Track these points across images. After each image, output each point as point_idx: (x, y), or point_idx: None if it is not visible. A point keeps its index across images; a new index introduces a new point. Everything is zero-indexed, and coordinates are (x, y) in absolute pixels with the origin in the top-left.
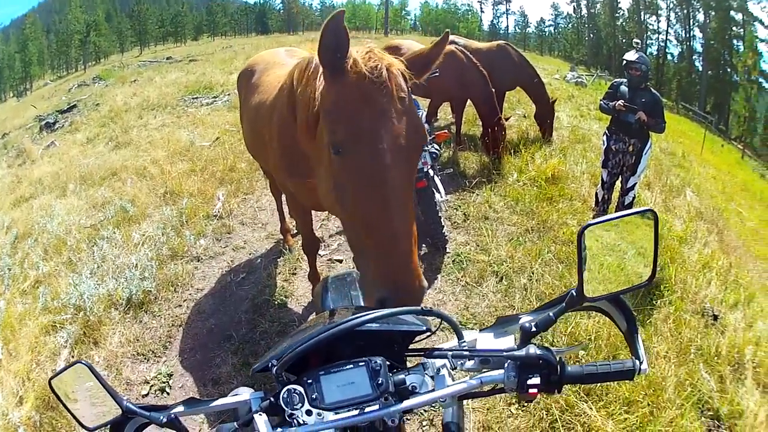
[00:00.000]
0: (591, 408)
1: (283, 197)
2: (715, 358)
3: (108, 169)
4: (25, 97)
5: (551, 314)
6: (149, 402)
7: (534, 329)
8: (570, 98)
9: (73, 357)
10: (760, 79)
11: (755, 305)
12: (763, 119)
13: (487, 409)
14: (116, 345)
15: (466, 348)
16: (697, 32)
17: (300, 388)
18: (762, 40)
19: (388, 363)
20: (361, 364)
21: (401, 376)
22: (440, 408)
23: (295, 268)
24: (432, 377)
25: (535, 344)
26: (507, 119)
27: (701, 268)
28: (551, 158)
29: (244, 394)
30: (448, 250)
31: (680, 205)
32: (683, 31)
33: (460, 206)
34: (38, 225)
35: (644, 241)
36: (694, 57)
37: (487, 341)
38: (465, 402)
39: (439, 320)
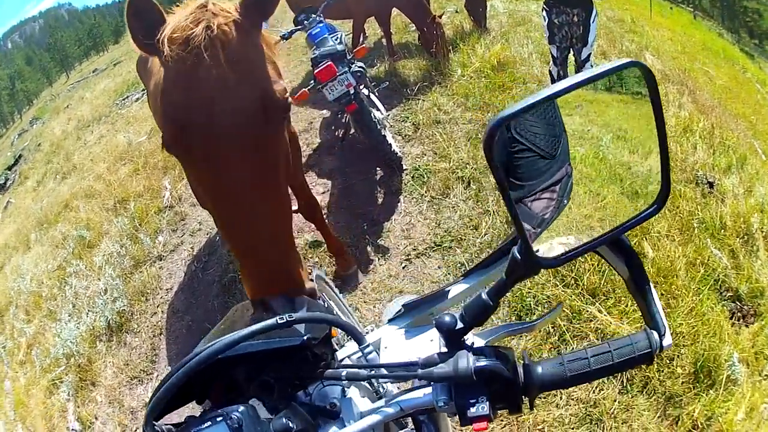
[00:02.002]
0: (600, 311)
1: None
2: (722, 231)
3: (59, 203)
4: None
5: (484, 296)
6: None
7: (461, 325)
8: None
9: (78, 407)
10: None
11: (749, 168)
12: None
13: None
14: (111, 377)
15: (368, 365)
16: None
17: None
18: None
19: (273, 394)
20: (218, 419)
21: (281, 422)
22: None
23: None
24: (333, 405)
25: (469, 348)
26: (440, 17)
27: (683, 132)
28: (493, 46)
29: None
30: (405, 167)
31: None
32: None
33: (407, 117)
34: (14, 290)
35: (638, 125)
36: None
37: (394, 342)
38: None
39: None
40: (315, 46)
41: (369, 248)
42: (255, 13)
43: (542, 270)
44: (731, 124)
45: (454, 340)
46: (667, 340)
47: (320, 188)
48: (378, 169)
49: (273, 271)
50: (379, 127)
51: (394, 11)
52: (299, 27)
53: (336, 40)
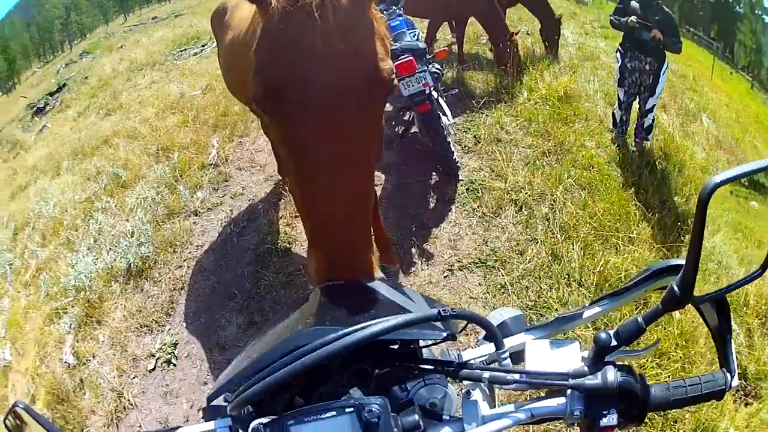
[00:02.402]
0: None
1: None
2: (744, 308)
3: (99, 138)
4: (14, 91)
5: (640, 320)
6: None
7: (614, 343)
8: (573, 16)
9: (78, 341)
10: (765, 17)
11: None
12: None
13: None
14: (119, 320)
15: (509, 370)
16: None
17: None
18: None
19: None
20: (348, 410)
21: (411, 419)
22: None
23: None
24: (459, 407)
25: (613, 364)
26: (516, 34)
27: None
28: (561, 76)
29: (209, 423)
30: (460, 178)
31: (698, 131)
32: None
33: (469, 129)
34: (34, 212)
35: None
36: None
37: (539, 351)
38: None
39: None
40: (393, 38)
41: (414, 250)
42: None
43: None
44: None
45: (602, 355)
46: (735, 381)
47: (375, 180)
48: (434, 174)
49: (351, 252)
50: (444, 132)
51: (471, 20)
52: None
53: (414, 36)
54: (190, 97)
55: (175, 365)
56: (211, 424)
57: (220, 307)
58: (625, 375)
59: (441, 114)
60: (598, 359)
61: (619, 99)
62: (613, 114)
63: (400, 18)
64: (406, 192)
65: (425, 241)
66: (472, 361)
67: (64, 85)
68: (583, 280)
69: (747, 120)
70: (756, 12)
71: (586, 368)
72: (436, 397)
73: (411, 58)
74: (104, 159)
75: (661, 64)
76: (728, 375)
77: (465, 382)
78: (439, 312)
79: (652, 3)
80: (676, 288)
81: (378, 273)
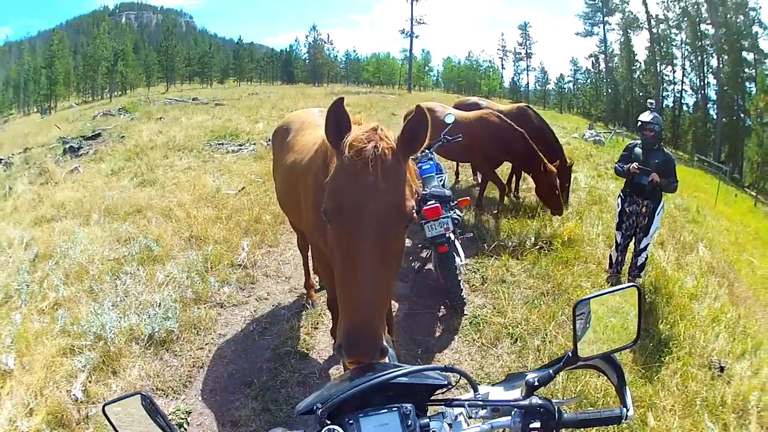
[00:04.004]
0: None
1: (309, 253)
2: (720, 407)
3: (133, 204)
4: (49, 115)
5: (551, 371)
6: None
7: (536, 383)
8: (588, 157)
9: (90, 382)
10: None
11: (762, 353)
12: None
13: None
14: (135, 377)
15: (480, 399)
16: (711, 78)
17: (339, 429)
18: None
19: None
20: (394, 409)
21: (425, 421)
22: None
23: (317, 323)
24: (450, 425)
25: (537, 396)
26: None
27: (710, 323)
28: (568, 221)
29: None
30: (465, 313)
31: (692, 261)
32: (698, 79)
33: (478, 269)
34: (60, 249)
35: (631, 309)
36: (708, 105)
37: (497, 393)
38: None
39: (459, 376)
40: (422, 181)
41: None
42: (407, 147)
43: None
44: (759, 313)
45: (530, 391)
46: (631, 413)
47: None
48: (442, 307)
49: (368, 323)
50: (457, 272)
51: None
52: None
53: (441, 181)
54: (226, 195)
55: (185, 430)
56: None
57: (237, 390)
58: (544, 400)
59: (456, 255)
60: (528, 393)
61: (616, 241)
62: (610, 256)
63: (431, 162)
64: (415, 321)
65: (427, 363)
66: (462, 399)
67: (99, 134)
68: (563, 397)
69: (745, 239)
70: (764, 120)
71: (521, 398)
72: (437, 429)
73: (438, 205)
74: (136, 227)
75: (657, 205)
76: (624, 409)
77: (456, 410)
78: (446, 366)
79: (653, 146)
80: (570, 354)
81: (386, 341)
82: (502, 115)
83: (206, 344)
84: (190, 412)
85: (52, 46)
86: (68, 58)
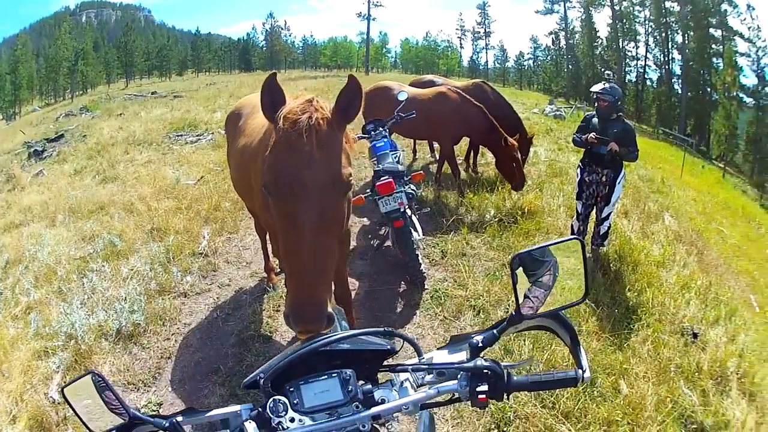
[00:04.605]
0: (570, 429)
1: (268, 236)
2: (697, 374)
3: (96, 202)
4: (14, 121)
5: (495, 332)
6: None
7: (480, 344)
8: (548, 132)
9: (65, 382)
10: (741, 95)
11: (737, 319)
12: (744, 135)
13: None
14: (107, 374)
15: (424, 363)
16: (675, 54)
17: (284, 398)
18: (742, 54)
19: (356, 376)
20: (333, 374)
21: (369, 387)
22: (414, 420)
23: (279, 305)
24: (398, 392)
25: (482, 358)
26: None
27: (680, 290)
28: (528, 194)
29: (235, 406)
30: (426, 287)
31: (659, 230)
32: (662, 55)
33: (438, 244)
34: (29, 253)
35: (576, 264)
36: (673, 80)
37: (442, 357)
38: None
39: (402, 340)
40: (377, 158)
41: None
42: (342, 116)
43: (511, 395)
44: (731, 281)
45: (475, 353)
46: (587, 374)
47: (349, 286)
48: (402, 282)
49: (312, 291)
50: (414, 246)
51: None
52: (365, 135)
53: (396, 158)
54: (185, 186)
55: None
56: (237, 407)
57: (204, 378)
58: (491, 362)
59: (413, 230)
60: (474, 355)
61: (577, 211)
62: (572, 225)
63: (385, 140)
64: (376, 298)
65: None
66: (406, 364)
67: (62, 135)
68: (531, 369)
69: (714, 209)
70: (732, 94)
71: (466, 361)
72: (384, 396)
73: (390, 180)
74: (99, 224)
75: (617, 174)
76: (580, 371)
77: (401, 375)
78: (384, 329)
79: (610, 116)
80: (513, 313)
81: (330, 307)
82: (460, 91)
83: (172, 334)
84: (161, 404)
85: (16, 51)
86: (31, 61)
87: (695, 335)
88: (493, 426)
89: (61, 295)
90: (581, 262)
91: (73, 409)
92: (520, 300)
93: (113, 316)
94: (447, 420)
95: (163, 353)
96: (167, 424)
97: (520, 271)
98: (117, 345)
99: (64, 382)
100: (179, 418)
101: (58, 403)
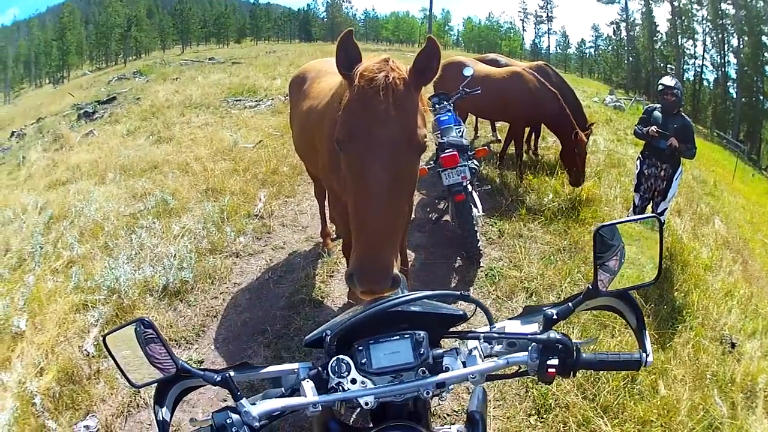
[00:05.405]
0: (606, 424)
1: (326, 202)
2: (729, 384)
3: (149, 161)
4: (62, 85)
5: (570, 305)
6: None
7: (555, 317)
8: (608, 122)
9: (102, 335)
10: None
11: None
12: None
13: (507, 418)
14: None
15: (495, 332)
16: (731, 58)
17: (347, 359)
18: None
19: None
20: (406, 336)
21: (439, 352)
22: (469, 389)
23: (333, 271)
24: (464, 362)
25: (555, 331)
26: (591, 126)
27: (723, 296)
28: (587, 181)
29: (293, 364)
30: (481, 264)
31: (708, 233)
32: (718, 57)
33: (496, 223)
34: (75, 208)
35: (652, 244)
36: (728, 83)
37: (514, 327)
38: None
39: (474, 307)
40: (441, 131)
41: None
42: (419, 77)
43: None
44: None
45: (549, 325)
46: (650, 359)
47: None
48: (458, 258)
49: (380, 250)
50: (474, 222)
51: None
52: (430, 108)
53: (459, 132)
54: (243, 149)
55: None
56: (294, 365)
57: (250, 339)
58: (562, 336)
59: (473, 205)
60: (546, 328)
61: (634, 203)
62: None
63: (449, 114)
64: (431, 271)
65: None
66: (477, 332)
67: (114, 98)
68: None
69: (761, 220)
70: None
71: (538, 332)
72: (450, 364)
73: (455, 153)
74: (152, 183)
75: (675, 170)
76: (644, 354)
77: (470, 343)
78: (460, 293)
79: (673, 111)
80: (590, 287)
81: (396, 269)
82: (536, 74)
83: (221, 293)
84: (202, 362)
85: (62, 19)
86: (80, 28)
87: (733, 345)
88: (533, 411)
89: (107, 251)
90: (656, 242)
91: (114, 359)
92: (599, 274)
93: (161, 272)
94: (490, 401)
95: (209, 311)
96: (218, 378)
97: (598, 244)
98: (162, 301)
99: (101, 335)
100: (231, 373)
101: (92, 357)
